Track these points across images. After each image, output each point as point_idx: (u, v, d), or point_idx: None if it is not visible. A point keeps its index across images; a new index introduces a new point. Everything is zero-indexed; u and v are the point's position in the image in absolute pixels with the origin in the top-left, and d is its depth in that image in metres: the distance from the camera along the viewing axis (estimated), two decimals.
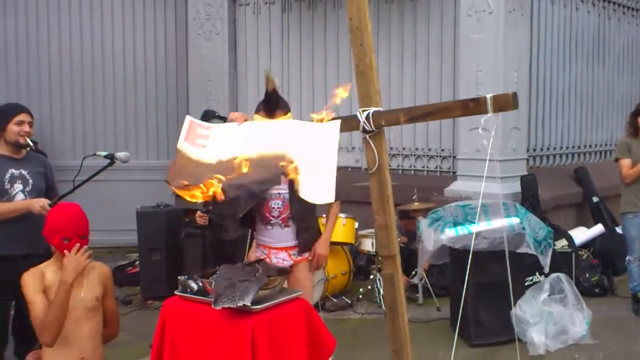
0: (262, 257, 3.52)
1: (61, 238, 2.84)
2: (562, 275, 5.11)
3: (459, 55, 6.96)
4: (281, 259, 3.60)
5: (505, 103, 2.61)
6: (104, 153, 3.72)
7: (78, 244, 2.81)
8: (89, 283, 2.96)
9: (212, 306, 2.62)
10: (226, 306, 2.60)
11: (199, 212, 4.59)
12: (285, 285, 2.94)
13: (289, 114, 3.40)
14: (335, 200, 3.65)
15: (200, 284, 2.82)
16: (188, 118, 2.83)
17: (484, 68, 6.60)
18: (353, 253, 6.54)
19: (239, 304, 2.59)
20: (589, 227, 7.15)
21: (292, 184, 3.55)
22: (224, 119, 4.65)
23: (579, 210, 7.60)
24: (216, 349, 2.66)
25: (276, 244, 3.62)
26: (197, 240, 5.04)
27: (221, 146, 2.61)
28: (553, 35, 7.82)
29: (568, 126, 8.24)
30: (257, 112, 3.42)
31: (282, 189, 3.55)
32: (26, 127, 3.71)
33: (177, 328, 2.81)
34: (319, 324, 2.97)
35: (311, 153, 2.59)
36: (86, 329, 2.90)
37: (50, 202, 3.59)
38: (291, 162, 2.51)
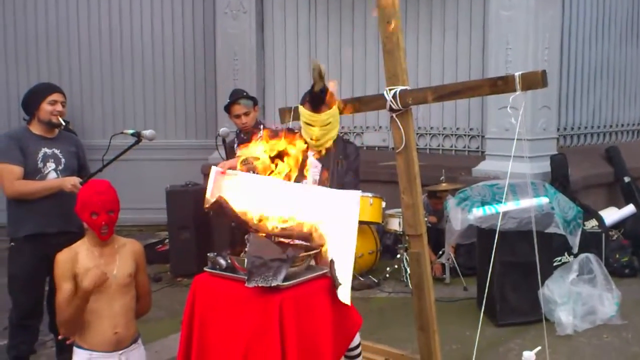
0: None
1: (90, 213, 2.90)
2: (591, 256, 5.07)
3: (488, 32, 6.87)
4: None
5: (534, 81, 2.59)
6: (131, 131, 3.77)
7: (101, 272, 2.85)
8: (121, 260, 3.01)
9: (245, 284, 2.65)
10: (260, 285, 2.63)
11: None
12: (312, 262, 2.96)
13: (334, 108, 3.40)
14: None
15: (229, 260, 2.86)
16: (214, 169, 3.12)
17: (513, 46, 6.50)
18: (380, 232, 6.55)
19: (272, 284, 2.63)
20: (620, 207, 7.05)
21: (326, 165, 3.56)
22: (252, 99, 4.65)
23: (610, 190, 7.50)
24: (244, 323, 2.70)
25: None
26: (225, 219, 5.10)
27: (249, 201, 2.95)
28: (585, 11, 7.67)
29: (600, 105, 8.10)
30: (302, 103, 3.44)
31: (314, 171, 3.54)
32: (59, 107, 3.77)
33: (207, 303, 2.86)
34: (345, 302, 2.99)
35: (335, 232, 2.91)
36: (119, 305, 2.96)
37: (81, 180, 3.66)
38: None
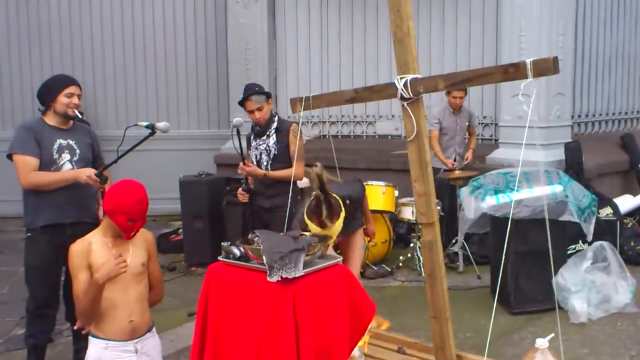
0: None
1: (127, 220, 2.92)
2: (605, 244, 5.04)
3: (501, 19, 6.83)
4: None
5: (545, 68, 2.56)
6: (145, 123, 3.77)
7: (121, 257, 2.86)
8: (134, 249, 3.03)
9: (268, 279, 2.65)
10: (284, 276, 2.64)
11: (240, 190, 4.69)
12: (326, 251, 2.98)
13: (341, 215, 3.30)
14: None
15: (243, 249, 2.88)
16: None
17: (527, 32, 6.45)
18: (393, 221, 6.56)
19: (296, 275, 2.64)
20: (634, 195, 7.01)
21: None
22: (266, 95, 4.64)
23: (625, 178, 7.45)
24: (258, 312, 2.72)
25: None
26: (238, 208, 5.12)
27: None
28: None
29: (615, 91, 8.03)
30: (309, 218, 3.26)
31: None
32: (75, 100, 3.78)
33: (221, 292, 2.88)
34: (359, 289, 3.00)
35: None
36: (134, 294, 2.99)
37: (96, 171, 3.68)
38: None
